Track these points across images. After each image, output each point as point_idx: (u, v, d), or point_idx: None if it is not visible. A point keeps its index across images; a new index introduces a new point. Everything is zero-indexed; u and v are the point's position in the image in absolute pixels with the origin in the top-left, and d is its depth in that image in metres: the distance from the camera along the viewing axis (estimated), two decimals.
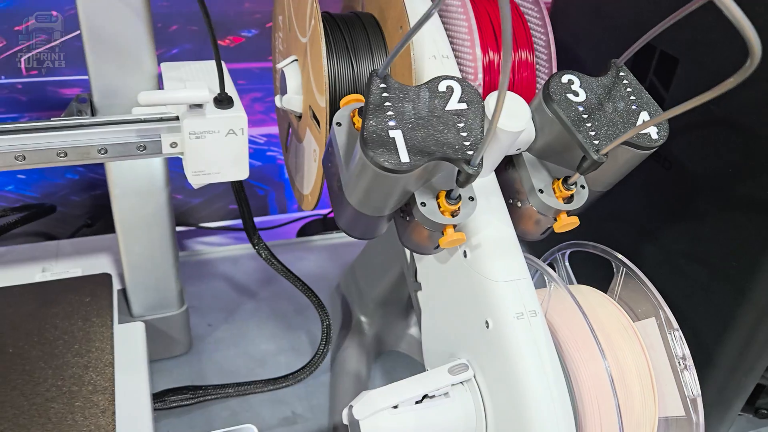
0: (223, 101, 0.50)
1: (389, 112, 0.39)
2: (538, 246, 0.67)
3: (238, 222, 1.01)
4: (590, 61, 0.74)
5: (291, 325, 0.76)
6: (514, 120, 0.42)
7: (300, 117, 0.58)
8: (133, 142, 0.49)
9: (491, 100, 0.42)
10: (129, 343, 0.63)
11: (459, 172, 0.39)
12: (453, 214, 0.42)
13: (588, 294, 0.49)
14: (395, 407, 0.45)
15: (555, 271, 0.57)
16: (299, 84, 0.56)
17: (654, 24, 0.43)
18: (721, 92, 0.31)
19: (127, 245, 0.61)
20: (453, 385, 0.46)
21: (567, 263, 0.54)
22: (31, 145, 0.48)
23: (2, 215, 0.80)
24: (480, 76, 0.54)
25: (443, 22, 0.55)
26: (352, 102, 0.44)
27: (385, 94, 0.39)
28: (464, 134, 0.39)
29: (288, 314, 0.78)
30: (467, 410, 0.45)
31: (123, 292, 0.67)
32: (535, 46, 0.59)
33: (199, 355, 0.71)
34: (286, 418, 0.65)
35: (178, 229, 0.99)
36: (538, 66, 0.59)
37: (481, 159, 0.38)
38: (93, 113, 0.53)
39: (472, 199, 0.43)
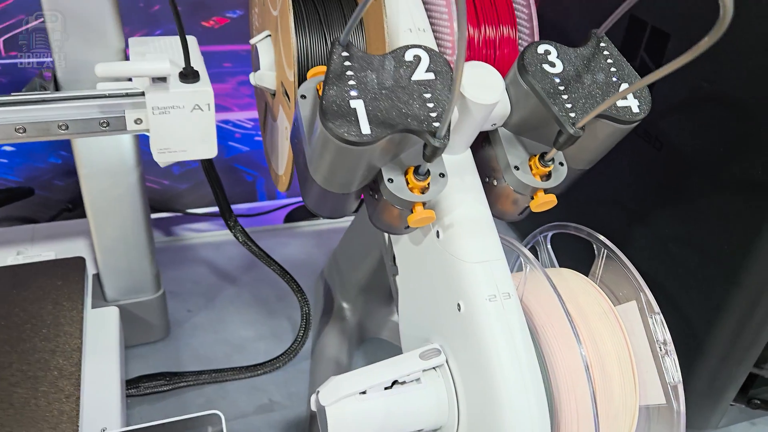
0: (188, 75, 0.48)
1: (351, 82, 0.37)
2: (522, 229, 0.65)
3: None
4: (579, 38, 0.72)
5: (272, 311, 0.75)
6: (486, 92, 0.40)
7: (274, 95, 0.56)
8: (96, 117, 0.48)
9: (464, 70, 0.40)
10: (101, 328, 0.61)
11: (425, 145, 0.37)
12: (422, 191, 0.40)
13: (568, 277, 0.47)
14: (363, 393, 0.43)
15: (537, 254, 0.55)
16: (272, 60, 0.54)
17: None
18: (697, 54, 0.29)
19: (99, 227, 0.60)
20: (425, 371, 0.44)
21: (549, 246, 0.52)
22: None
23: None
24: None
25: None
26: (318, 74, 0.42)
27: (347, 63, 0.37)
28: (431, 105, 0.37)
29: (269, 300, 0.76)
30: (439, 397, 0.43)
31: (98, 276, 0.65)
32: (518, 22, 0.57)
33: (176, 341, 0.70)
34: (263, 405, 0.64)
35: (165, 215, 0.97)
36: (520, 42, 0.57)
37: (448, 131, 0.36)
38: (57, 90, 0.51)
39: (442, 175, 0.41)
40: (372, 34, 0.51)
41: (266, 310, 0.75)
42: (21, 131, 0.47)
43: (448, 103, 0.35)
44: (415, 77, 0.38)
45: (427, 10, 0.52)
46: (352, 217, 0.73)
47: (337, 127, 0.35)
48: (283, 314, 0.74)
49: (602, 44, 0.43)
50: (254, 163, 1.02)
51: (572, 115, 0.39)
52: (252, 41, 0.56)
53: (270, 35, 0.55)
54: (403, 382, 0.44)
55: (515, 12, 0.57)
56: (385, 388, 0.43)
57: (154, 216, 0.95)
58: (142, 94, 0.48)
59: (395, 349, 0.70)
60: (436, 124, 0.37)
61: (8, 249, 0.69)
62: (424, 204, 0.40)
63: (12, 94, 0.48)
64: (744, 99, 0.53)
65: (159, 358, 0.67)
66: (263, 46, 0.55)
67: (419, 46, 0.39)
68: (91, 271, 0.66)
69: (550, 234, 0.52)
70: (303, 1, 0.52)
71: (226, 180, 1.05)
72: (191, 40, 0.55)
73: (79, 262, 0.64)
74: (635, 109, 0.41)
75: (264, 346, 0.70)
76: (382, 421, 0.43)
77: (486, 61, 0.56)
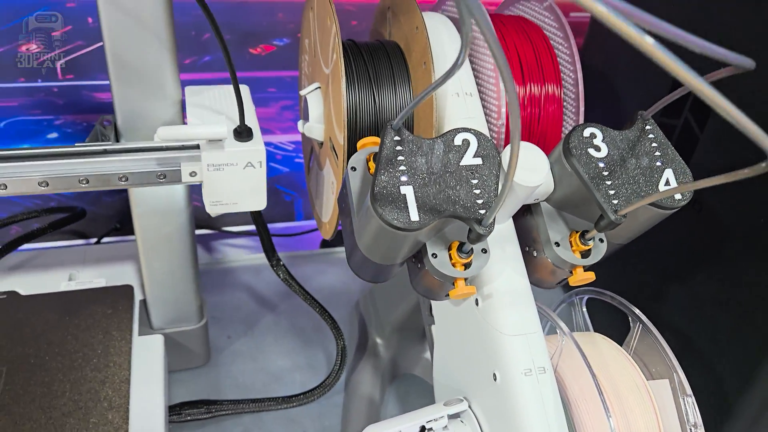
0: (242, 133, 0.50)
1: (401, 167, 0.38)
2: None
3: None
4: (624, 89, 0.72)
5: (309, 341, 0.77)
6: (531, 174, 0.41)
7: (322, 145, 0.58)
8: (154, 170, 0.50)
9: (508, 153, 0.41)
10: (147, 355, 0.64)
11: (470, 229, 0.38)
12: (465, 267, 0.41)
13: (602, 346, 0.48)
14: None
15: (572, 312, 0.56)
16: (321, 113, 0.56)
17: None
18: (732, 180, 0.30)
19: (148, 262, 0.62)
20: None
21: (584, 308, 0.53)
22: (55, 172, 0.48)
23: (35, 215, 0.82)
24: (503, 111, 0.53)
25: (469, 56, 0.54)
26: (368, 145, 0.44)
27: (398, 148, 0.39)
28: (477, 191, 0.39)
29: (306, 330, 0.78)
30: None
31: (144, 303, 0.68)
32: (563, 77, 0.58)
33: (216, 367, 0.72)
34: None
35: (201, 232, 1.00)
36: (565, 99, 0.58)
37: (493, 220, 0.37)
38: (117, 137, 0.54)
39: (485, 251, 0.42)
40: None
41: (302, 339, 0.77)
42: (84, 182, 0.49)
43: (498, 197, 0.36)
44: (463, 162, 0.39)
45: (474, 71, 0.54)
46: None
47: (387, 213, 0.37)
48: (318, 345, 0.76)
49: (648, 127, 0.44)
50: (293, 184, 1.04)
51: (615, 201, 0.40)
52: (302, 93, 0.57)
53: (320, 87, 0.57)
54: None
55: (560, 69, 0.58)
56: None
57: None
58: (197, 146, 0.51)
59: (427, 387, 0.71)
60: (482, 211, 0.38)
61: (61, 271, 0.72)
62: (466, 279, 0.42)
63: (76, 144, 0.50)
64: None
65: (199, 385, 0.70)
66: (313, 98, 0.56)
67: (468, 130, 0.40)
68: (138, 297, 0.69)
69: (586, 297, 0.53)
70: (353, 56, 0.54)
71: (267, 201, 1.08)
72: (243, 90, 0.57)
73: (128, 290, 0.67)
74: (677, 196, 0.42)
75: (300, 376, 0.72)
76: None
77: (531, 119, 0.57)
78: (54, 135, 0.89)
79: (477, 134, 0.40)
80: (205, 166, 0.49)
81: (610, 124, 0.53)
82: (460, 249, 0.41)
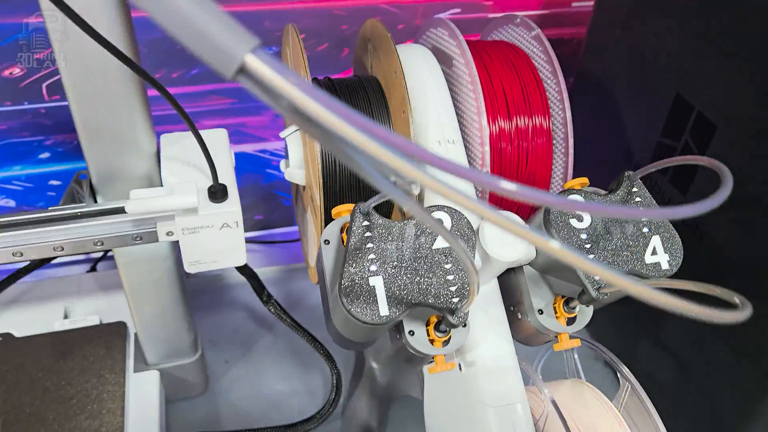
0: (216, 193, 0.48)
1: (371, 256, 0.37)
2: None
3: (263, 233, 1.01)
4: (621, 97, 0.69)
5: (306, 363, 0.77)
6: (509, 249, 0.39)
7: (305, 188, 0.56)
8: (129, 233, 0.49)
9: (486, 228, 0.40)
10: (143, 394, 0.64)
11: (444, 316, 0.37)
12: (444, 343, 0.40)
13: (590, 402, 0.47)
14: None
15: (564, 356, 0.54)
16: (301, 156, 0.54)
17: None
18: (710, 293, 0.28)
19: (138, 306, 0.62)
20: None
21: (576, 356, 0.52)
22: (29, 241, 0.48)
23: None
24: (488, 158, 0.51)
25: (452, 96, 0.51)
26: (343, 213, 0.42)
27: (367, 234, 0.37)
28: (450, 277, 0.37)
29: (304, 350, 0.78)
30: None
31: (138, 338, 0.68)
32: (552, 116, 0.55)
33: (214, 395, 0.73)
34: None
35: None
36: (554, 130, 0.55)
37: (466, 313, 0.36)
38: (92, 194, 0.53)
39: (464, 324, 0.41)
40: None
41: (300, 361, 0.77)
42: (59, 249, 0.48)
43: (470, 293, 0.35)
44: (436, 245, 0.38)
45: (457, 111, 0.51)
46: None
47: (355, 308, 0.36)
48: (316, 367, 0.76)
49: (634, 189, 0.41)
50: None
51: (597, 278, 0.39)
52: (282, 134, 0.56)
53: (299, 130, 0.55)
54: None
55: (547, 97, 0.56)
56: None
57: None
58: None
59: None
60: (455, 300, 0.37)
61: (56, 306, 0.72)
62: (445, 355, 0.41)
63: (50, 208, 0.49)
64: None
65: (198, 414, 0.70)
66: (293, 140, 0.55)
67: (442, 208, 0.39)
68: (132, 331, 0.69)
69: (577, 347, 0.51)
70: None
71: (265, 206, 1.07)
72: (221, 133, 0.56)
73: (121, 328, 0.67)
74: (665, 266, 0.40)
75: (297, 401, 0.72)
76: None
77: (519, 153, 0.55)
78: (46, 155, 0.88)
79: (451, 212, 0.39)
80: (180, 230, 0.48)
81: (608, 135, 0.51)
82: (437, 328, 0.40)
